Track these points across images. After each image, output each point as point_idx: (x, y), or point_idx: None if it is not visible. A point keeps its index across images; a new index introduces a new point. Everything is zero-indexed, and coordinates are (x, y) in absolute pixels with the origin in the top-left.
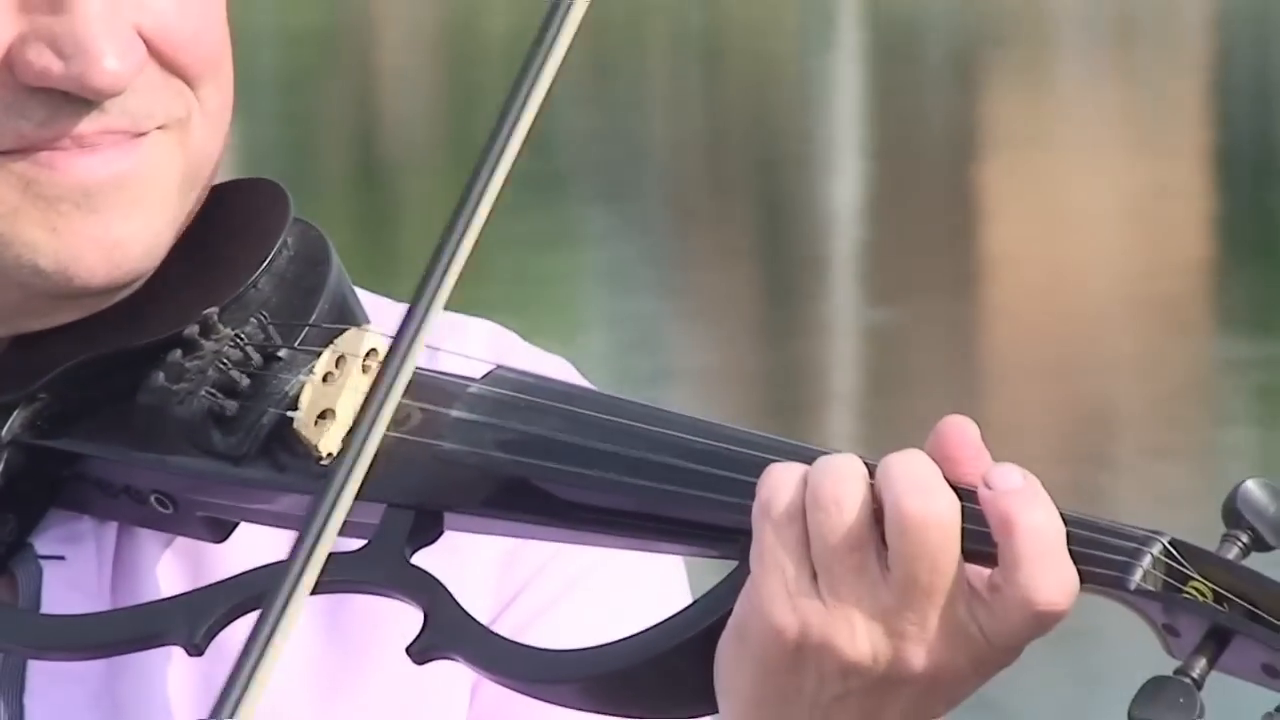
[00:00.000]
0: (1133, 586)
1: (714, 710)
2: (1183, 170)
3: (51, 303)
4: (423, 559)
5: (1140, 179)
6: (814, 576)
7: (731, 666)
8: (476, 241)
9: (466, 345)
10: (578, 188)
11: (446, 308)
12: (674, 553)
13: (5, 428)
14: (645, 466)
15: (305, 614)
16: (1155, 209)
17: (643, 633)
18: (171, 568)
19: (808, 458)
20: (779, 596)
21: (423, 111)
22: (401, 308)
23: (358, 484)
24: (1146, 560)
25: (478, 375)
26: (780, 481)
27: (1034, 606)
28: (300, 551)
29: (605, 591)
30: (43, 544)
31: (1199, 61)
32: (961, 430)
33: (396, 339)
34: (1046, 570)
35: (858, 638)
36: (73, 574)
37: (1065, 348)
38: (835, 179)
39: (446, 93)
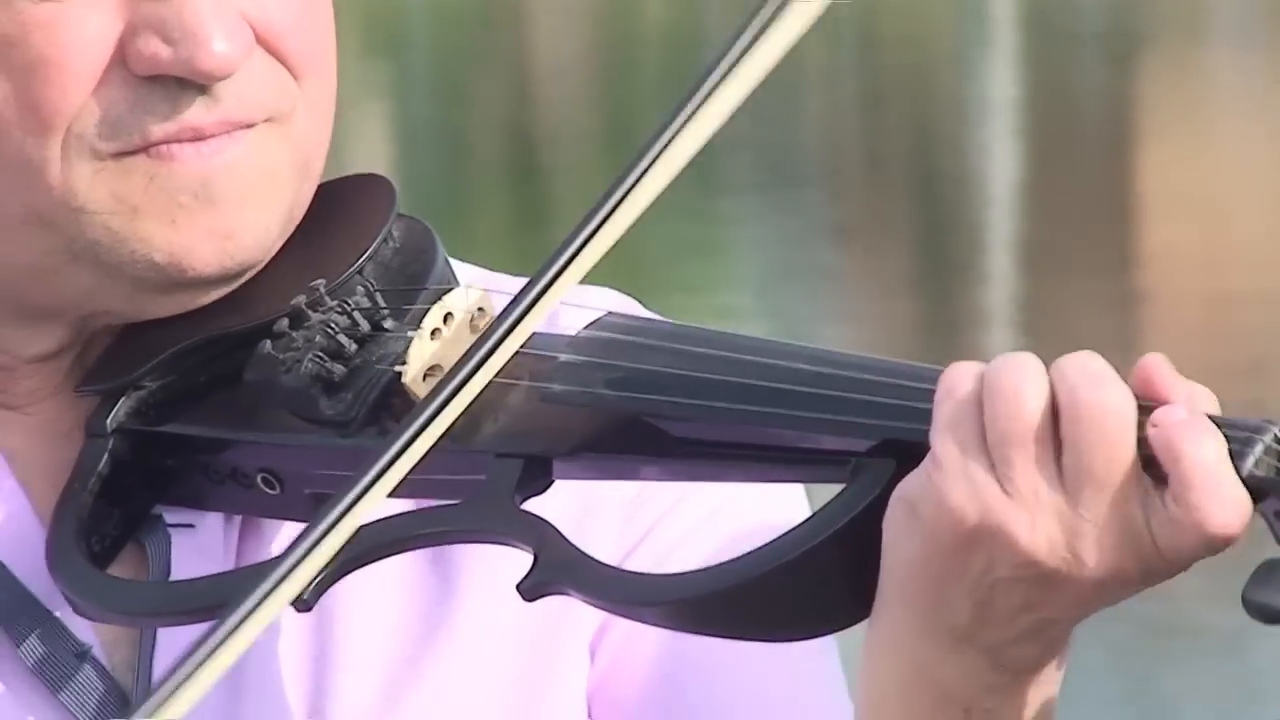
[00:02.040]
0: (1245, 473)
1: (845, 621)
2: None
3: (161, 294)
4: (537, 505)
5: None
6: (991, 465)
7: (899, 540)
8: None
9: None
10: (730, 181)
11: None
12: (789, 480)
13: (111, 416)
14: (755, 392)
15: (409, 567)
16: None
17: (770, 543)
18: (295, 530)
19: (930, 378)
20: (959, 479)
21: (575, 96)
22: (519, 282)
23: (451, 417)
24: (1259, 447)
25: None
26: (961, 373)
27: (1205, 529)
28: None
29: (736, 526)
30: (171, 514)
31: None
32: (1155, 360)
33: (517, 296)
34: (1217, 497)
35: (1036, 530)
36: (201, 541)
37: (1222, 338)
38: (991, 168)
39: (600, 77)
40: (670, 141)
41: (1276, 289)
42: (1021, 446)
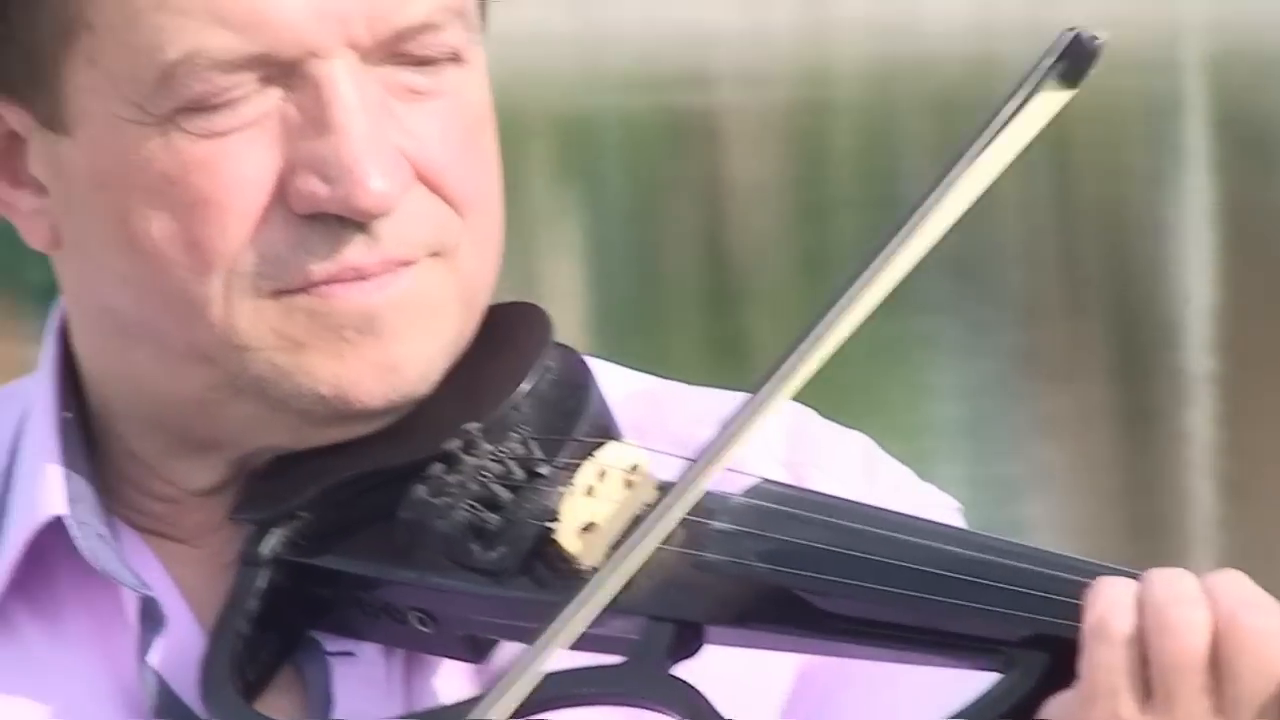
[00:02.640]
0: None
1: None
2: None
3: (324, 425)
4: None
5: None
6: (1148, 696)
7: None
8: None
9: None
10: (925, 296)
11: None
12: (933, 663)
13: (266, 544)
14: (905, 575)
15: None
16: None
17: None
18: (460, 668)
19: (1088, 572)
20: (1110, 717)
21: (768, 216)
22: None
23: (618, 588)
24: None
25: (742, 488)
26: (1116, 602)
27: None
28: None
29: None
30: (329, 642)
31: None
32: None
33: (690, 464)
34: None
35: None
36: (363, 671)
37: None
38: (1188, 282)
39: (792, 196)
40: (887, 260)
41: None
42: (1190, 680)
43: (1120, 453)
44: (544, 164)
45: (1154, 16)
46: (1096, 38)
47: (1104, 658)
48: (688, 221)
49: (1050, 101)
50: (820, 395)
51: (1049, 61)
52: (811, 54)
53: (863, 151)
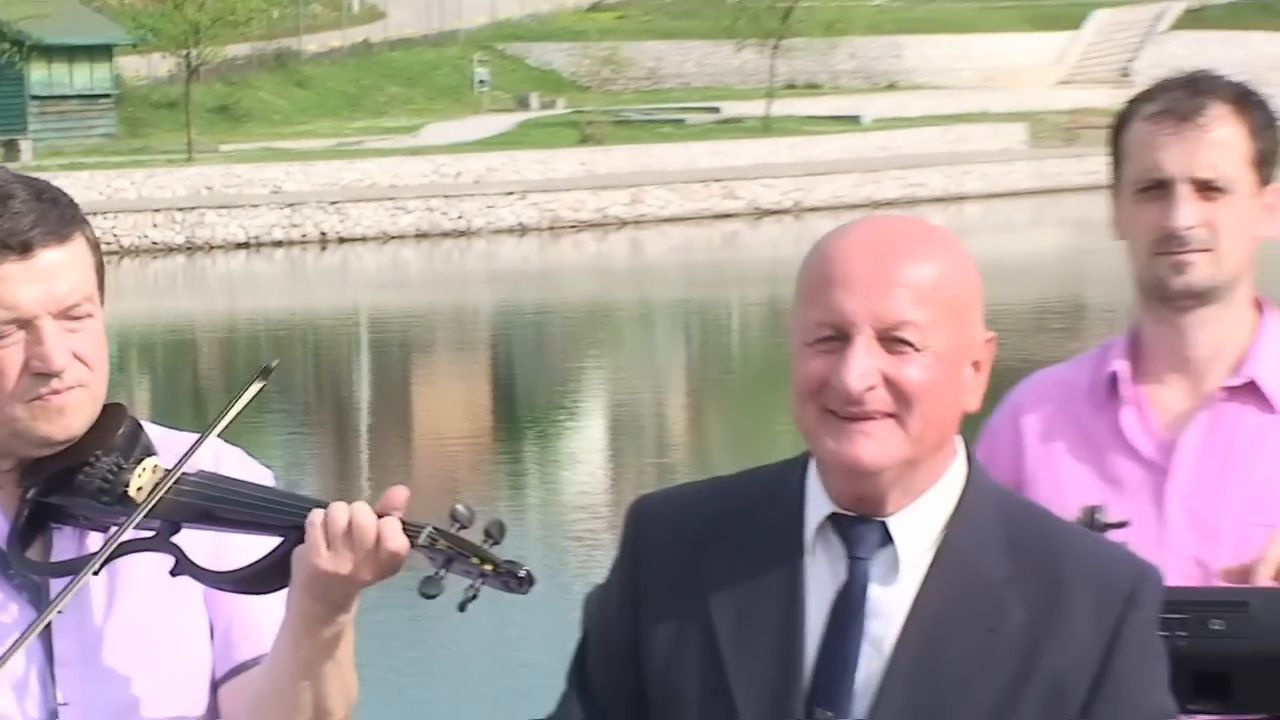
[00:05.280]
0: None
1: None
2: None
3: (43, 448)
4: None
5: None
6: (329, 547)
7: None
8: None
9: (203, 456)
10: None
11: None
12: (255, 533)
13: (30, 491)
14: (246, 496)
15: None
16: None
17: (260, 559)
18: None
19: (317, 503)
20: (312, 554)
21: None
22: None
23: (150, 507)
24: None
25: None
26: (317, 512)
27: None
28: (120, 534)
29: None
30: (57, 530)
31: None
32: None
33: (178, 463)
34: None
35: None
36: (66, 537)
37: None
38: None
39: None
40: None
41: None
42: (343, 539)
43: None
44: None
45: None
46: None
47: (311, 534)
48: None
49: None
50: None
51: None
52: None
53: None
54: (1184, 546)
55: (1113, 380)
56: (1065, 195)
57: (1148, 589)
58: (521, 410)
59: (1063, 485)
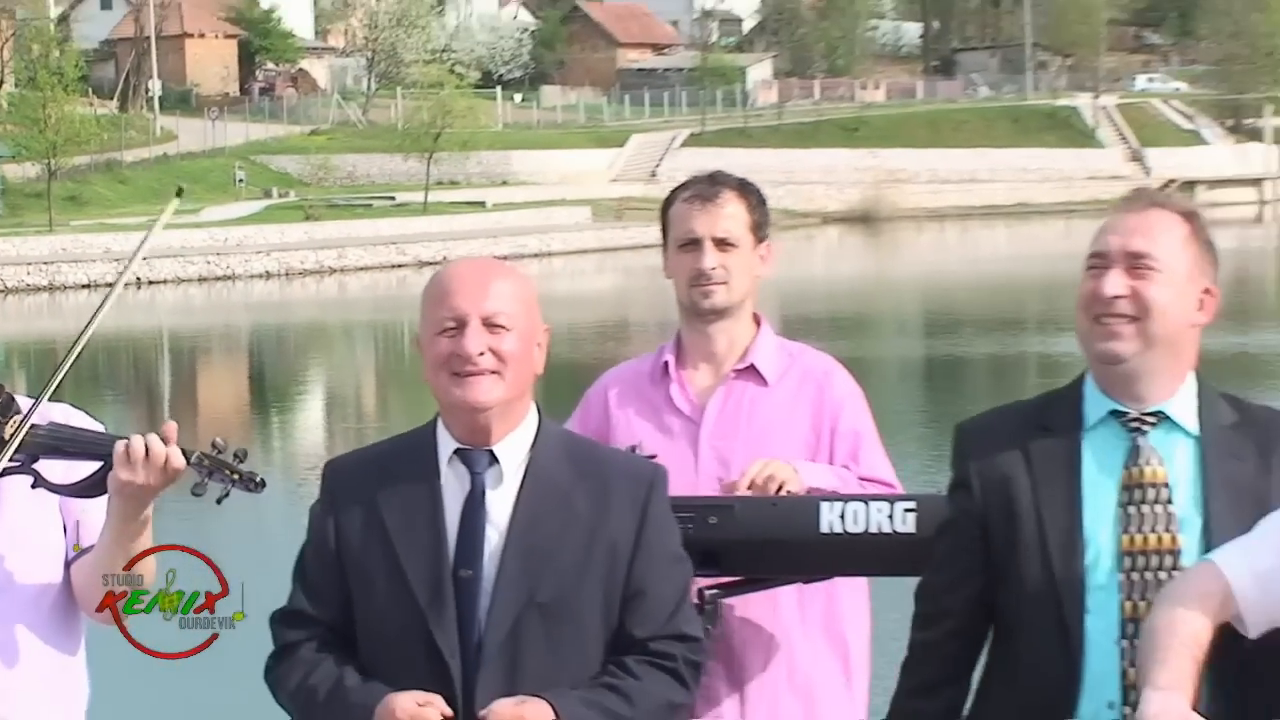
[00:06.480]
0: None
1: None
2: None
3: None
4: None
5: None
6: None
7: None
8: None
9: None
10: None
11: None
12: (85, 460)
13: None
14: (83, 437)
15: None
16: None
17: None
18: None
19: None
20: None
21: None
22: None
23: (14, 447)
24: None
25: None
26: (122, 446)
27: None
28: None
29: None
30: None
31: None
32: None
33: (26, 414)
34: None
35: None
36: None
37: None
38: None
39: None
40: None
41: None
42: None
43: None
44: None
45: None
46: None
47: (119, 456)
48: None
49: None
50: None
51: None
52: None
53: None
54: (711, 472)
55: (665, 367)
56: (617, 253)
57: (660, 480)
58: (268, 391)
59: (634, 435)
